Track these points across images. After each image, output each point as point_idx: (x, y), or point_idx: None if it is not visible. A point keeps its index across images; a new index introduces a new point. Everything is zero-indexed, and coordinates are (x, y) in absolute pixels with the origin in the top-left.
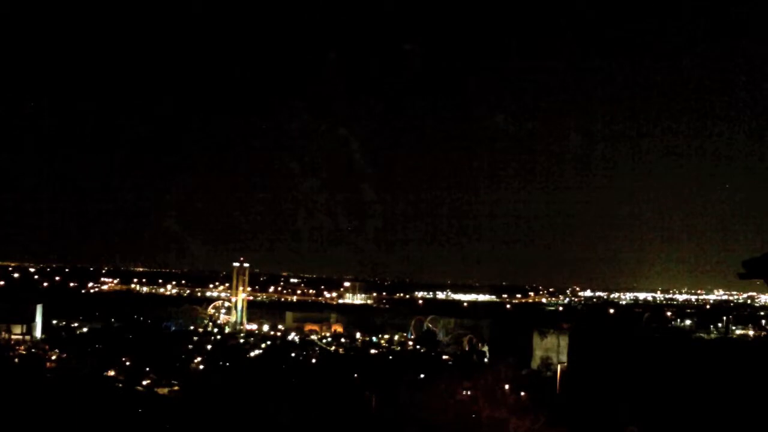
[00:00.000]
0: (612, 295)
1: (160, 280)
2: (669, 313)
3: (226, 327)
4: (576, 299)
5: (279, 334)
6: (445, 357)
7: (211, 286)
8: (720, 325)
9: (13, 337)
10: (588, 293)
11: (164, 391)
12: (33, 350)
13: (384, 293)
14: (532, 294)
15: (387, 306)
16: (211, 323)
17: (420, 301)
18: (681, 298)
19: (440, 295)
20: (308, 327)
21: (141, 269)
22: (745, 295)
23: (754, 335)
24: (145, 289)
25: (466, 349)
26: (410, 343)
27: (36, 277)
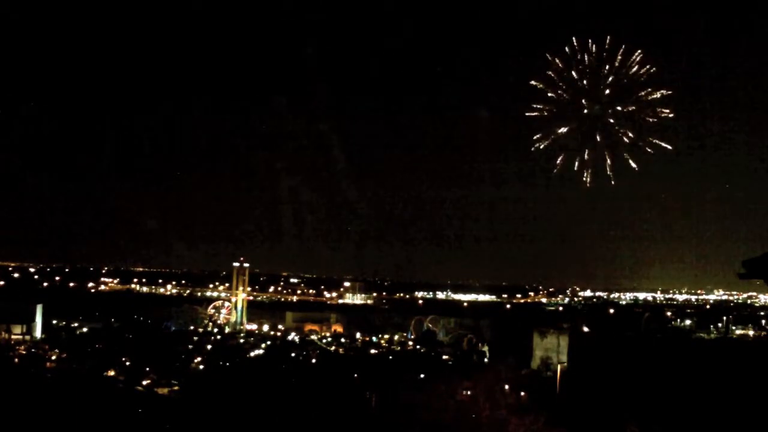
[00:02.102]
0: (612, 295)
1: (160, 280)
2: (669, 313)
3: (226, 327)
4: (576, 299)
5: (279, 334)
6: (445, 357)
7: (211, 286)
8: (720, 325)
9: (13, 337)
10: (588, 293)
11: (164, 391)
12: (33, 350)
13: (384, 293)
14: (532, 294)
15: (387, 306)
16: (211, 323)
17: (420, 301)
18: (681, 298)
19: (440, 295)
20: (308, 327)
21: (141, 269)
22: (745, 295)
23: (754, 335)
24: (145, 289)
25: (466, 349)
26: (410, 343)
27: (36, 277)
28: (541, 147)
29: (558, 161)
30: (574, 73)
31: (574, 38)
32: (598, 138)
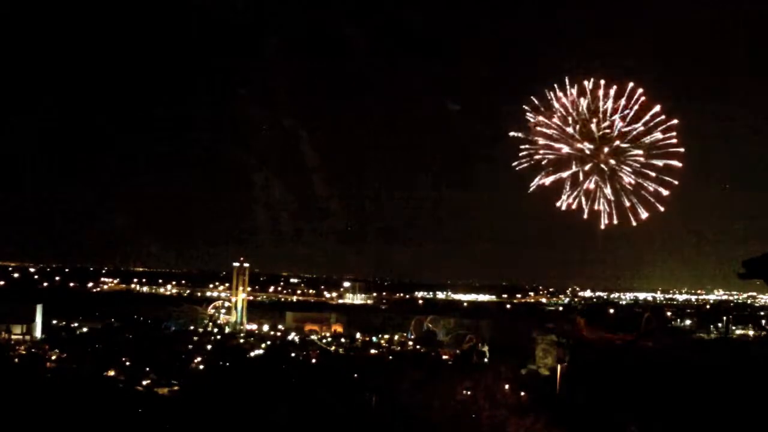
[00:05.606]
0: (612, 295)
1: (160, 280)
2: (669, 313)
3: (226, 327)
4: (576, 299)
5: (279, 334)
6: (445, 357)
7: (211, 286)
8: (720, 325)
9: (13, 337)
10: (588, 293)
11: (164, 391)
12: (33, 350)
13: (384, 293)
14: (532, 294)
15: (387, 306)
16: (211, 323)
17: (420, 301)
18: (681, 298)
19: (440, 295)
20: (308, 327)
21: (141, 269)
22: (745, 295)
23: (754, 335)
24: (145, 289)
25: (466, 349)
26: (410, 343)
27: (36, 277)
28: (546, 183)
29: (562, 200)
30: (561, 114)
31: (567, 78)
32: (595, 183)
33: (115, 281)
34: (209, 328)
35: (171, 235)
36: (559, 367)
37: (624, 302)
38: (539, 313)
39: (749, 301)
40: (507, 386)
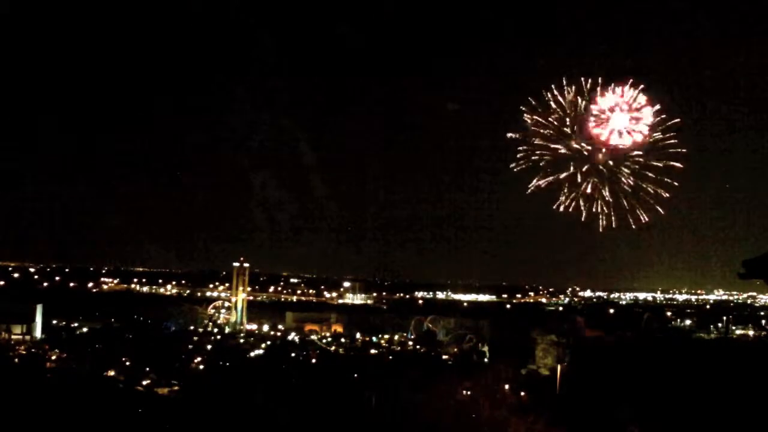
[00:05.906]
0: (612, 295)
1: (160, 280)
2: (669, 313)
3: (226, 327)
4: (576, 299)
5: (279, 334)
6: (445, 357)
7: (211, 286)
8: (720, 325)
9: (13, 337)
10: (588, 293)
11: (164, 391)
12: (33, 350)
13: (384, 293)
14: (532, 294)
15: (387, 306)
16: (211, 323)
17: (420, 301)
18: (681, 298)
19: (440, 295)
20: (308, 327)
21: (141, 269)
22: (745, 295)
23: (754, 335)
24: (145, 289)
25: (466, 349)
26: (410, 343)
27: (36, 277)
28: (542, 185)
29: (560, 201)
30: (558, 114)
31: (564, 79)
32: (592, 186)
33: (115, 281)
34: (209, 328)
35: (171, 235)
36: (559, 367)
37: (624, 302)
38: (539, 313)
39: (749, 301)
40: (507, 386)
